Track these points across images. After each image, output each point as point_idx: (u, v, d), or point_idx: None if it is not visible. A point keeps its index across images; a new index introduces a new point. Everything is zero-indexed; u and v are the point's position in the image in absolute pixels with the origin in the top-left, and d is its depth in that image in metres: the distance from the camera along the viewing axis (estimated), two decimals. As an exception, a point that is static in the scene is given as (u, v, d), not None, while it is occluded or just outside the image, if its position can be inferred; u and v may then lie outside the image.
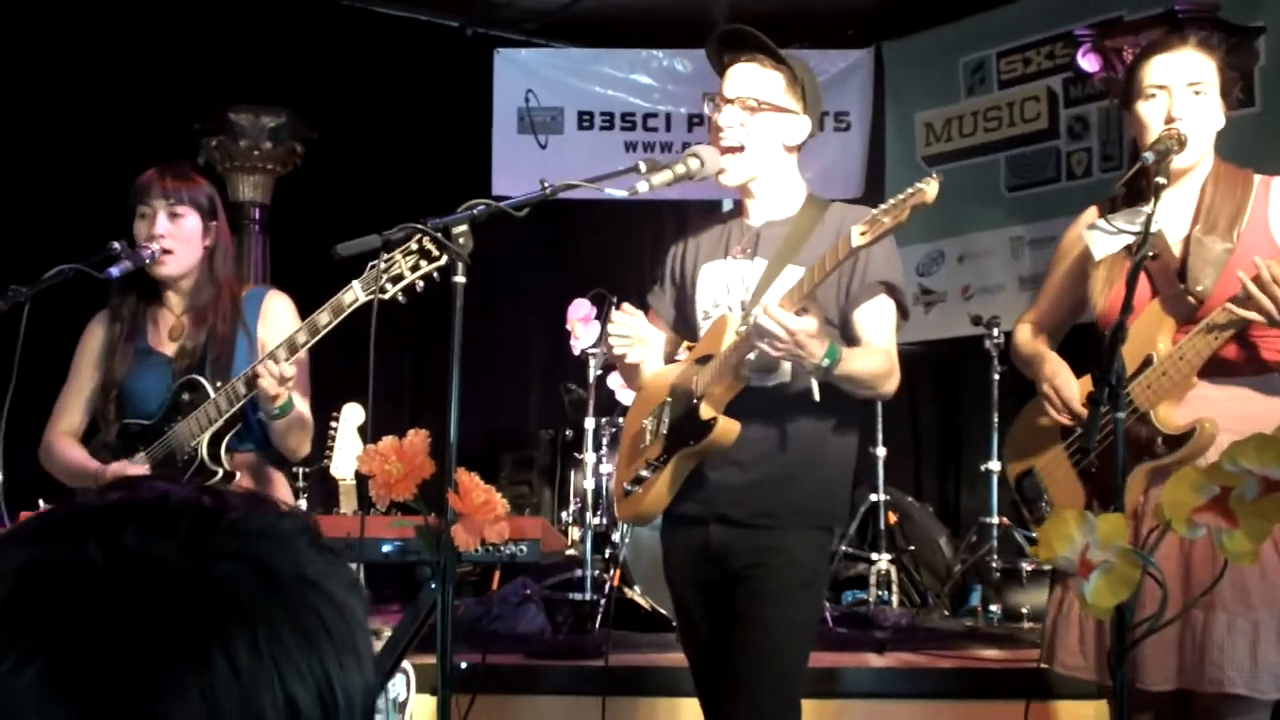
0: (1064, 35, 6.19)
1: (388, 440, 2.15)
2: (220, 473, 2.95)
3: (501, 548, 2.22)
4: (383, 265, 2.58)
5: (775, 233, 2.82)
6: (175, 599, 0.67)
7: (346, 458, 3.21)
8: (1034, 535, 3.15)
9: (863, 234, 2.49)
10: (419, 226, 2.31)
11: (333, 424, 3.26)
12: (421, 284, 2.59)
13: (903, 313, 2.80)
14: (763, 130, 2.77)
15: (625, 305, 2.88)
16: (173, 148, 5.68)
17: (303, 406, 2.98)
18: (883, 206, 2.48)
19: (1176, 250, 2.66)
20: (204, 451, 2.94)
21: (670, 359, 3.01)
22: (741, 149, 2.76)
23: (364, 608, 0.76)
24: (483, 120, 7.07)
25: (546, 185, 2.38)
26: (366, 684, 0.73)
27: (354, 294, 2.71)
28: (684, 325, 2.97)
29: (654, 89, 7.21)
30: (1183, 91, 2.64)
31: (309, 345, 2.82)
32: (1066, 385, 2.76)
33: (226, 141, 6.54)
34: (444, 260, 2.47)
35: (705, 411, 2.70)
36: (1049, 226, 6.01)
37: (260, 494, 0.78)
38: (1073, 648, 2.69)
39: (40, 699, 0.64)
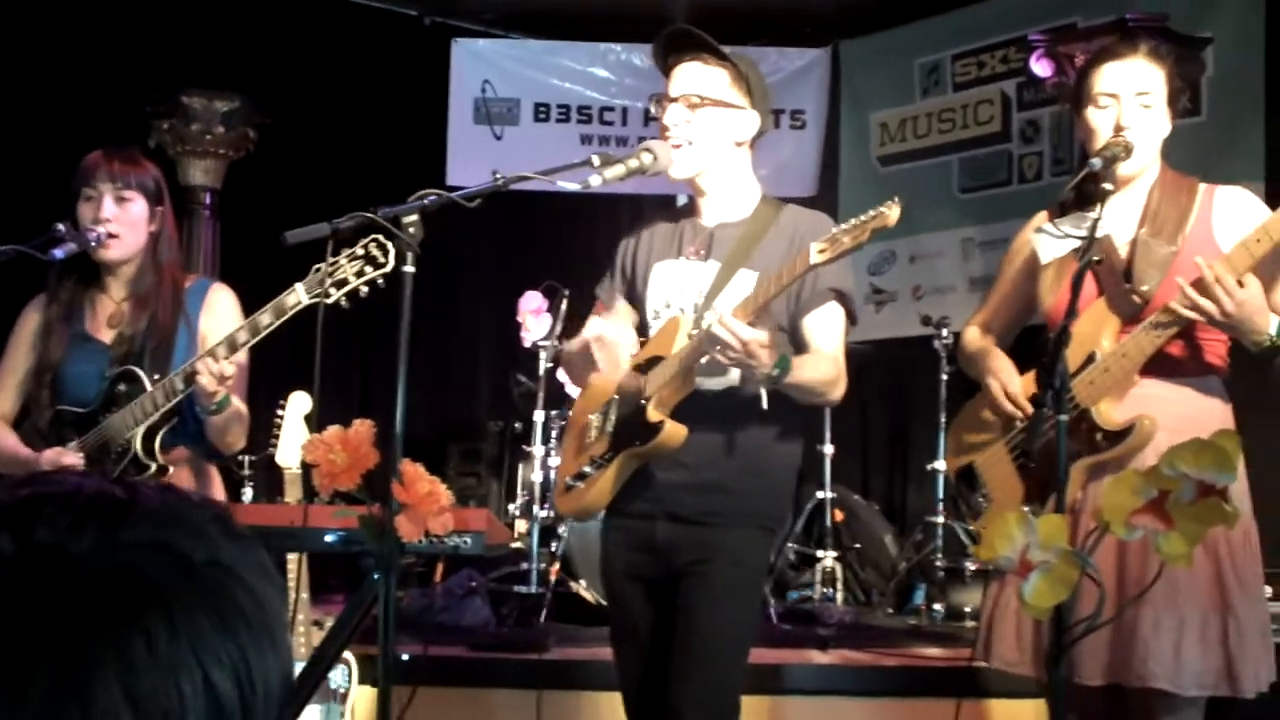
0: (1018, 40, 6.25)
1: (332, 429, 2.13)
2: (153, 467, 2.90)
3: (445, 539, 2.21)
4: (327, 269, 2.56)
5: (729, 234, 2.82)
6: (90, 587, 0.67)
7: (292, 446, 3.18)
8: (974, 530, 3.18)
9: (821, 252, 2.49)
10: (369, 215, 2.29)
11: (279, 412, 3.23)
12: (366, 289, 2.57)
13: (851, 319, 2.82)
14: (707, 125, 2.77)
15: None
16: (123, 130, 5.61)
17: (239, 402, 2.95)
18: (843, 226, 2.48)
19: (1123, 252, 2.70)
20: (138, 445, 2.89)
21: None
22: (690, 144, 2.77)
23: (280, 594, 0.76)
24: (439, 110, 7.04)
25: (499, 176, 2.37)
26: (284, 670, 0.73)
27: (297, 296, 2.67)
28: (633, 321, 2.97)
29: (611, 82, 7.19)
30: (1131, 100, 2.68)
31: (249, 345, 2.79)
32: (1010, 379, 2.79)
33: (178, 125, 6.47)
34: (390, 267, 2.46)
35: (653, 414, 2.70)
36: (1000, 229, 6.06)
37: (171, 485, 0.78)
38: (1010, 643, 2.72)
39: None
